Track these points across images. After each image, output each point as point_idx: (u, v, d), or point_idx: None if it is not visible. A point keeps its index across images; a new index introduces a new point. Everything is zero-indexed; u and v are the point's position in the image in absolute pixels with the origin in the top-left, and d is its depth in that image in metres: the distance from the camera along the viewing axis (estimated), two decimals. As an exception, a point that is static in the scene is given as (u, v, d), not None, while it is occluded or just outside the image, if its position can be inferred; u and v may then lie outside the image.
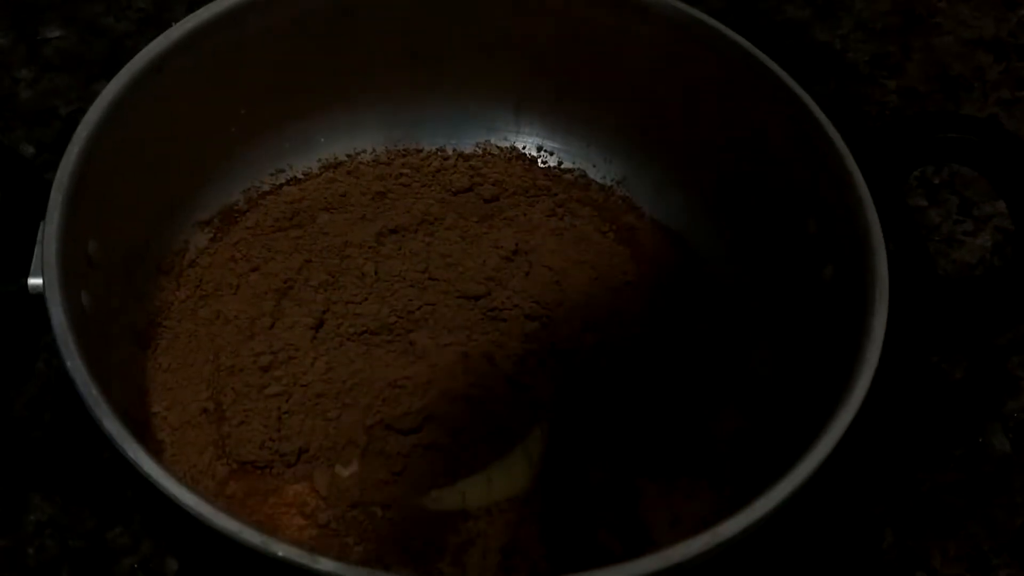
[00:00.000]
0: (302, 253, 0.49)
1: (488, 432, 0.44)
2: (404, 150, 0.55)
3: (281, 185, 0.53)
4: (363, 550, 0.41)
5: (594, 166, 0.55)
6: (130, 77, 0.44)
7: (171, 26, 0.46)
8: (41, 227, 0.39)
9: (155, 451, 0.42)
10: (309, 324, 0.47)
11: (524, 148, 0.55)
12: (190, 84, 0.47)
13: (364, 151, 0.54)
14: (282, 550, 0.31)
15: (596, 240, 0.52)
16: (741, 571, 0.42)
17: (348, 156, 0.54)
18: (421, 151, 0.55)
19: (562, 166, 0.55)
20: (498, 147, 0.55)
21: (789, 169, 0.47)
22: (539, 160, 0.55)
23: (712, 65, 0.49)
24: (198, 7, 0.47)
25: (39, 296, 0.38)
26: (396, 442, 0.43)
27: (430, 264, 0.50)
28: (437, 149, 0.55)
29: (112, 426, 0.34)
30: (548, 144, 0.56)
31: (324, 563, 0.31)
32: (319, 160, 0.54)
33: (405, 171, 0.54)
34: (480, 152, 0.55)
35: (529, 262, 0.50)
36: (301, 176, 0.53)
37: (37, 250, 0.39)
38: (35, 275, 0.39)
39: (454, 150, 0.55)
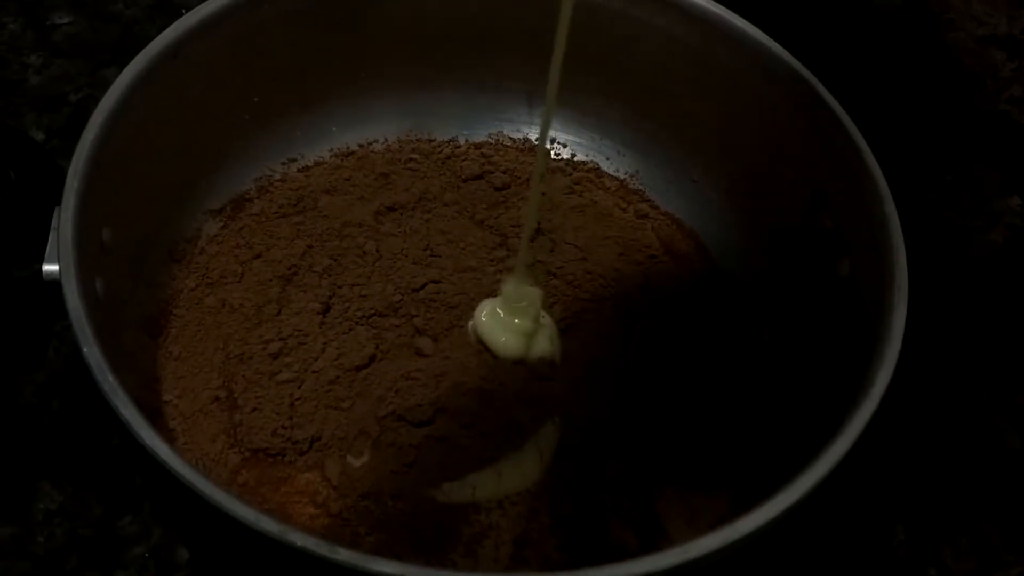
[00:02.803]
0: (304, 239, 0.49)
1: (500, 426, 0.44)
2: (416, 140, 0.54)
3: (291, 173, 0.53)
4: (375, 540, 0.40)
5: (607, 159, 0.55)
6: (145, 63, 0.43)
7: (181, 13, 0.46)
8: (56, 213, 0.39)
9: (167, 440, 0.42)
10: (316, 309, 0.47)
11: (537, 140, 0.55)
12: (204, 71, 0.46)
13: (376, 140, 0.54)
14: (300, 539, 0.31)
15: (618, 216, 0.52)
16: (753, 567, 0.42)
17: (360, 146, 0.54)
18: (433, 140, 0.55)
19: (575, 158, 0.55)
20: (511, 138, 0.55)
21: (805, 163, 0.47)
22: (552, 152, 0.55)
23: (727, 58, 0.49)
24: (208, -5, 0.46)
25: (53, 282, 0.38)
26: (408, 433, 0.43)
27: (431, 241, 0.50)
28: (449, 139, 0.55)
29: (128, 413, 0.34)
30: (561, 136, 0.55)
31: (342, 553, 0.31)
32: (331, 149, 0.53)
33: (414, 156, 0.54)
34: (492, 142, 0.55)
35: (553, 240, 0.50)
36: (312, 165, 0.53)
37: (52, 236, 0.39)
38: (49, 261, 0.38)
39: (466, 140, 0.55)
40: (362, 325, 0.47)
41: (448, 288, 0.48)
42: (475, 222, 0.51)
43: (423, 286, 0.48)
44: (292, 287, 0.48)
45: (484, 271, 0.49)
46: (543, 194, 0.53)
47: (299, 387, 0.44)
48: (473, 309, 0.47)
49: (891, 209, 0.42)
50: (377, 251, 0.49)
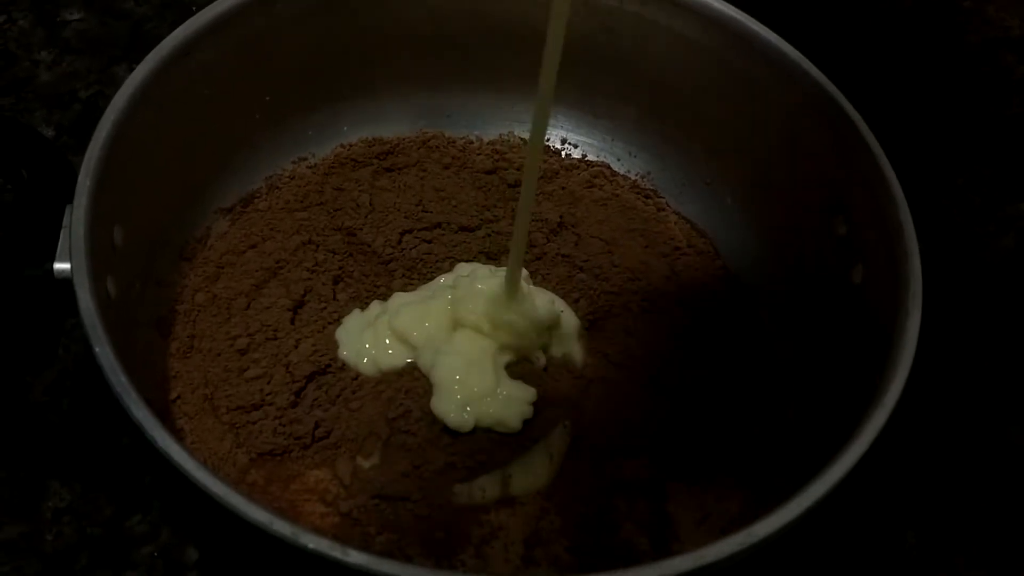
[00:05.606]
0: (302, 234, 0.49)
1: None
2: (430, 136, 0.54)
3: (301, 171, 0.52)
4: (385, 540, 0.40)
5: (618, 159, 0.55)
6: (157, 61, 0.43)
7: (192, 11, 0.46)
8: (68, 211, 0.39)
9: (176, 440, 0.42)
10: (287, 306, 0.46)
11: (548, 140, 0.55)
12: (216, 69, 0.46)
13: (389, 139, 0.54)
14: (312, 542, 0.31)
15: (641, 208, 0.52)
16: (763, 569, 0.42)
17: (370, 142, 0.54)
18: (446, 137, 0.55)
19: (586, 159, 0.55)
20: (522, 138, 0.55)
21: (818, 168, 0.47)
22: (563, 152, 0.55)
23: (742, 61, 0.49)
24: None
25: (64, 281, 0.37)
26: (418, 436, 0.43)
27: (424, 197, 0.51)
28: (461, 137, 0.55)
29: (140, 413, 0.34)
30: (572, 137, 0.55)
31: (355, 556, 0.31)
32: (342, 148, 0.53)
33: (427, 140, 0.54)
34: (505, 141, 0.55)
35: (577, 234, 0.50)
36: (321, 163, 0.53)
37: (63, 234, 0.39)
38: (60, 260, 0.38)
39: (478, 137, 0.55)
40: (332, 325, 0.46)
41: (438, 249, 0.49)
42: (473, 185, 0.52)
43: (415, 246, 0.49)
44: (275, 280, 0.47)
45: (475, 233, 0.50)
46: (563, 188, 0.53)
47: (268, 383, 0.44)
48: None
49: (907, 217, 0.42)
50: (370, 204, 0.50)
